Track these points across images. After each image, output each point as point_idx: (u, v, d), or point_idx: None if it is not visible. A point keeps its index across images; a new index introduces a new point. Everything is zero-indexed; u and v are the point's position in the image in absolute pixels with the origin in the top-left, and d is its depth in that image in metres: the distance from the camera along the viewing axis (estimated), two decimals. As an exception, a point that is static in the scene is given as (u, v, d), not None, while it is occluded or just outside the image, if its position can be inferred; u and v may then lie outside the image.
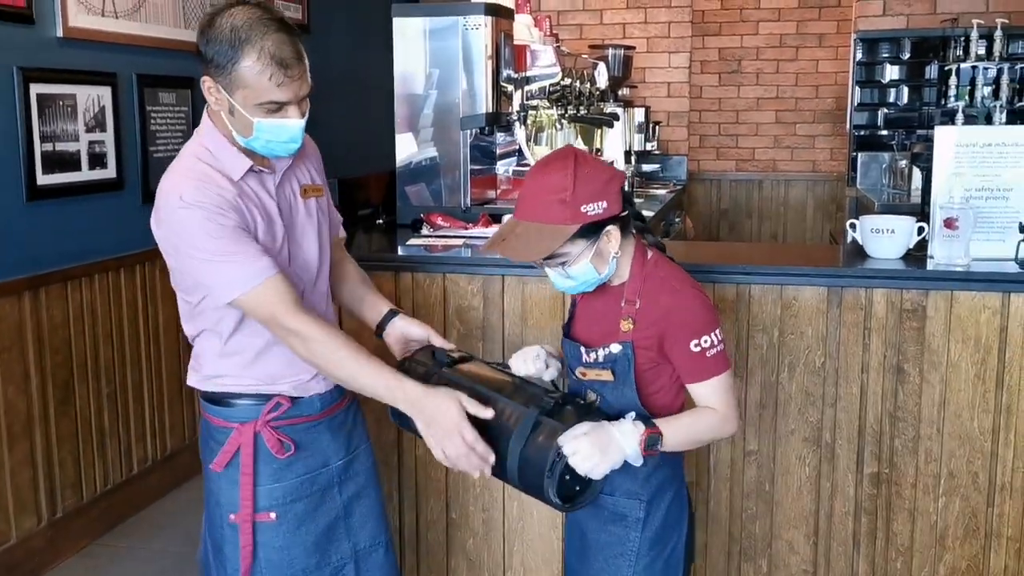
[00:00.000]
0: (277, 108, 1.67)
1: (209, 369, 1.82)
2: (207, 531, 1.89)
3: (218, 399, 1.83)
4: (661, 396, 1.75)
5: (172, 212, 1.67)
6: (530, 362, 1.81)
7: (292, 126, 1.70)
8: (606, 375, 1.73)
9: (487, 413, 1.66)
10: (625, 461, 1.63)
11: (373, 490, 1.98)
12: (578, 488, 1.67)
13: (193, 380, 1.86)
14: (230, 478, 1.79)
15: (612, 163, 3.91)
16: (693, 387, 1.71)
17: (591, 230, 1.66)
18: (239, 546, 1.80)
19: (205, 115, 1.77)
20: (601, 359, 1.74)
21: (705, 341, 1.67)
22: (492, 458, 1.66)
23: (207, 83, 1.69)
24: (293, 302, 1.69)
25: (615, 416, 1.69)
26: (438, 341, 1.90)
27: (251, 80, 1.63)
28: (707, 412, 1.70)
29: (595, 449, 1.59)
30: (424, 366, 1.81)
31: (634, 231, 1.77)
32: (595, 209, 1.64)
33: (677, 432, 1.68)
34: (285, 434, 1.80)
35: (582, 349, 1.77)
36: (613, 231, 1.68)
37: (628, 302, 1.72)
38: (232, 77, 1.64)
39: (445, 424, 1.65)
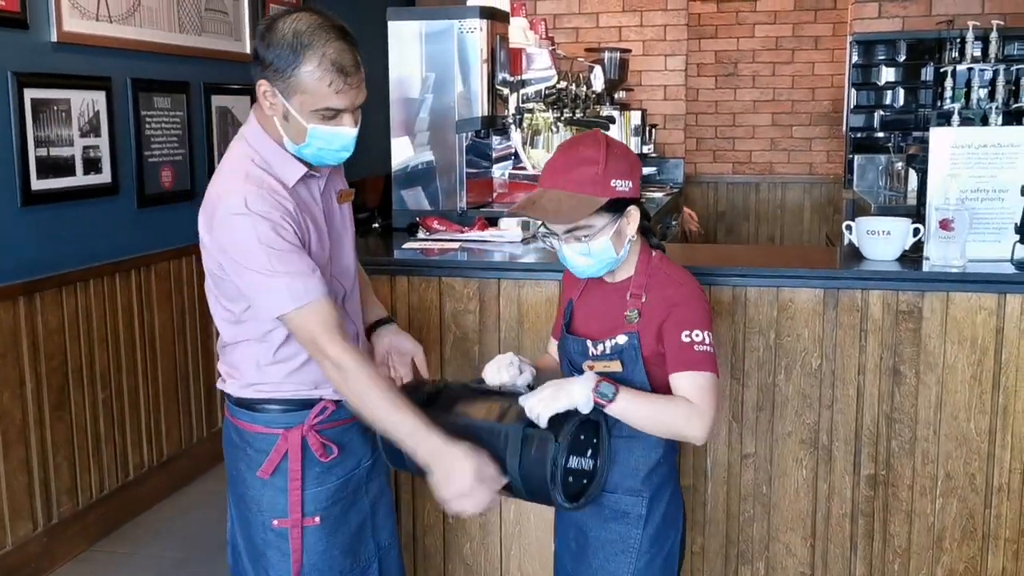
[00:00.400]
0: (333, 115, 1.67)
1: (251, 377, 1.80)
2: (242, 538, 1.87)
3: (257, 406, 1.80)
4: (662, 380, 1.74)
5: (229, 217, 1.65)
6: (504, 370, 1.80)
7: (346, 134, 1.70)
8: (615, 366, 1.74)
9: (502, 481, 1.64)
10: (625, 457, 1.68)
11: (388, 488, 2.00)
12: (585, 481, 1.69)
13: (231, 388, 1.83)
14: (274, 484, 1.79)
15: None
16: (674, 378, 1.69)
17: (616, 206, 1.71)
18: (284, 552, 1.80)
19: (253, 119, 1.76)
20: (608, 350, 1.75)
21: (696, 335, 1.68)
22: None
23: (263, 87, 1.68)
24: (336, 327, 1.68)
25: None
26: (420, 361, 1.92)
27: (310, 86, 1.64)
28: (680, 401, 1.67)
29: (546, 397, 1.62)
30: (413, 398, 1.77)
31: (640, 228, 1.80)
32: (623, 186, 1.70)
33: (640, 401, 1.66)
34: (327, 437, 1.81)
35: (588, 343, 1.78)
36: (634, 212, 1.74)
37: (634, 296, 1.75)
38: (291, 82, 1.64)
39: (460, 484, 1.62)
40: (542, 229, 1.82)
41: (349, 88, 1.66)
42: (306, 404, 1.80)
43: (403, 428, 1.67)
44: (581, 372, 1.76)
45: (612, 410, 1.64)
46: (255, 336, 1.77)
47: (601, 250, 1.72)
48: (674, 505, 1.83)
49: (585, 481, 1.69)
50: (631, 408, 1.65)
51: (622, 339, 1.74)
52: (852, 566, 2.38)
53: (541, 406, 1.62)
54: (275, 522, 1.80)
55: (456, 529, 2.55)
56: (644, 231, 1.81)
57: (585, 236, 1.71)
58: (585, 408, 1.62)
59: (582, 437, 1.66)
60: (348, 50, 1.65)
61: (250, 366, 1.80)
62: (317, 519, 1.80)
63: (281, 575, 1.81)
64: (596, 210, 1.69)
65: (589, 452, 1.69)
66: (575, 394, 1.62)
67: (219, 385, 1.87)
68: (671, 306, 1.71)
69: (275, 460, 1.78)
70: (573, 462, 1.65)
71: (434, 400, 1.77)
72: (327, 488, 1.82)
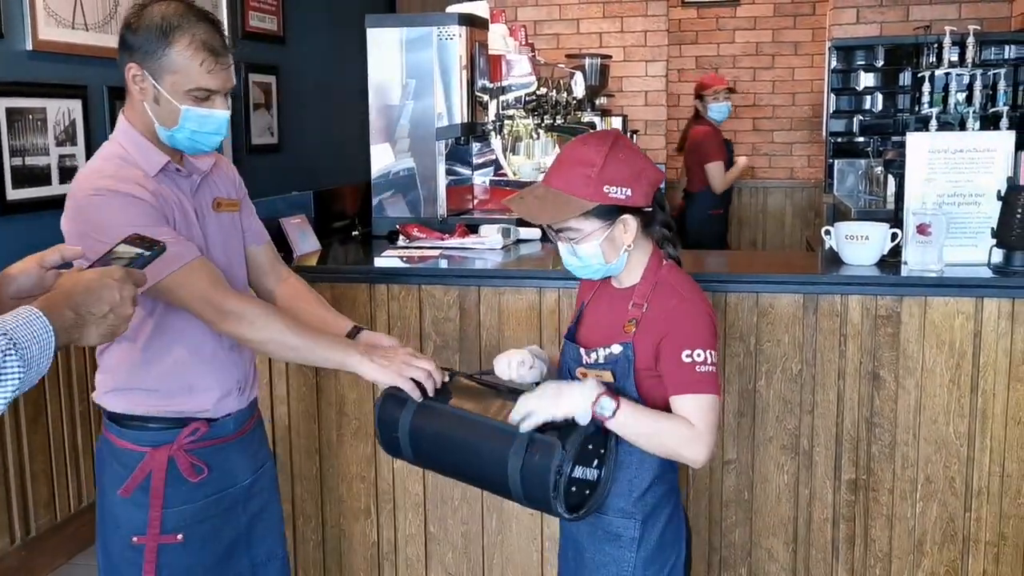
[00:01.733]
0: (206, 96, 1.67)
1: (124, 381, 1.75)
2: (101, 554, 1.82)
3: (127, 421, 1.76)
4: (657, 400, 1.68)
5: (86, 200, 1.63)
6: (514, 368, 1.78)
7: (218, 116, 1.70)
8: (606, 376, 1.69)
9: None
10: (621, 478, 1.63)
11: (274, 505, 1.97)
12: (587, 492, 1.63)
13: (104, 400, 1.78)
14: (135, 501, 1.74)
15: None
16: (675, 400, 1.63)
17: (608, 212, 1.65)
18: (142, 569, 1.75)
19: (121, 118, 1.75)
20: (601, 359, 1.70)
21: (698, 355, 1.61)
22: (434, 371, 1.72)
23: (132, 70, 1.67)
24: (224, 282, 1.68)
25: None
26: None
27: (181, 65, 1.64)
28: (681, 421, 1.61)
29: (548, 397, 1.60)
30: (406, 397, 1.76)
31: (656, 238, 1.75)
32: (618, 193, 1.64)
33: (640, 418, 1.60)
34: (198, 457, 1.77)
35: (582, 351, 1.74)
36: (630, 221, 1.67)
37: (635, 305, 1.69)
38: (162, 62, 1.65)
39: (394, 358, 1.71)
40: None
41: (220, 68, 1.67)
42: (178, 423, 1.76)
43: (334, 349, 1.72)
44: (576, 378, 1.73)
45: (610, 425, 1.59)
46: (126, 334, 1.70)
47: (589, 255, 1.68)
48: (673, 528, 1.75)
49: (588, 492, 1.63)
50: (630, 424, 1.59)
51: (616, 348, 1.68)
52: (834, 571, 2.38)
53: (536, 412, 1.58)
54: (134, 539, 1.75)
55: (438, 538, 2.54)
56: (662, 240, 1.74)
57: (571, 239, 1.69)
58: (583, 420, 1.58)
59: (590, 447, 1.61)
60: (217, 33, 1.68)
61: (123, 369, 1.76)
62: (179, 536, 1.76)
63: None
64: (586, 213, 1.64)
65: (595, 462, 1.63)
66: (575, 405, 1.58)
67: (94, 397, 1.82)
68: (672, 321, 1.65)
69: (138, 478, 1.74)
70: (578, 472, 1.58)
71: (440, 390, 1.74)
72: (193, 506, 1.77)
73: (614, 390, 1.63)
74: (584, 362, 1.74)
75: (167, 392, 1.75)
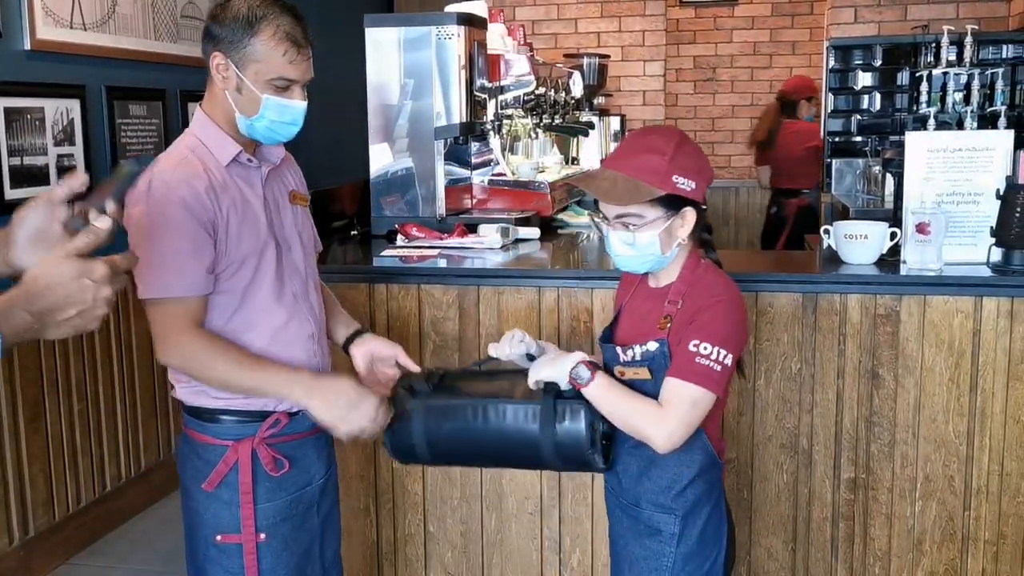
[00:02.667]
0: (286, 86, 1.72)
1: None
2: (188, 552, 1.83)
3: (207, 416, 1.77)
4: None
5: (140, 194, 1.68)
6: (516, 344, 1.81)
7: (297, 107, 1.75)
8: (644, 373, 1.69)
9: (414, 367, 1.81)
10: (654, 465, 1.72)
11: (337, 508, 1.98)
12: (605, 443, 1.74)
13: (182, 394, 1.79)
14: (219, 497, 1.75)
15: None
16: (664, 382, 1.65)
17: (674, 203, 1.67)
18: (227, 568, 1.75)
19: (198, 111, 1.79)
20: (638, 356, 1.71)
21: (704, 348, 1.61)
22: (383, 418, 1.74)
23: (217, 59, 1.72)
24: (192, 322, 1.69)
25: None
26: (404, 360, 1.88)
27: (265, 55, 1.69)
28: (651, 403, 1.65)
29: (547, 362, 1.73)
30: (418, 388, 1.80)
31: (697, 237, 1.75)
32: (685, 184, 1.65)
33: (612, 391, 1.67)
34: (279, 451, 1.77)
35: (618, 349, 1.75)
36: (691, 214, 1.69)
37: (671, 302, 1.70)
38: (246, 52, 1.69)
39: (345, 398, 1.70)
40: (596, 210, 1.81)
41: (302, 59, 1.72)
42: (258, 416, 1.76)
43: (273, 381, 1.71)
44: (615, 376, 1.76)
45: (586, 393, 1.68)
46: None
47: (646, 244, 1.68)
48: (714, 524, 1.75)
49: (605, 443, 1.74)
50: (602, 395, 1.67)
51: (652, 345, 1.68)
52: (833, 569, 2.38)
53: (541, 377, 1.71)
54: (218, 537, 1.75)
55: (437, 538, 2.54)
56: (703, 243, 1.75)
57: (633, 225, 1.67)
58: (563, 384, 1.69)
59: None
60: (299, 24, 1.73)
61: None
62: (263, 536, 1.76)
63: None
64: (651, 201, 1.65)
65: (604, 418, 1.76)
66: (557, 371, 1.69)
67: (172, 393, 1.84)
68: (698, 315, 1.65)
69: (222, 472, 1.74)
70: (604, 426, 1.71)
71: (437, 387, 1.79)
72: (275, 504, 1.78)
73: (595, 365, 1.70)
74: (621, 360, 1.74)
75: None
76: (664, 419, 1.62)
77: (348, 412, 1.69)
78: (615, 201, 1.68)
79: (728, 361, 1.62)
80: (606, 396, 1.67)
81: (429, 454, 1.79)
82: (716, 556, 1.75)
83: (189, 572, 1.82)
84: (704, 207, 1.73)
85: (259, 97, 1.71)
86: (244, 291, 1.73)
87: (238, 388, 1.72)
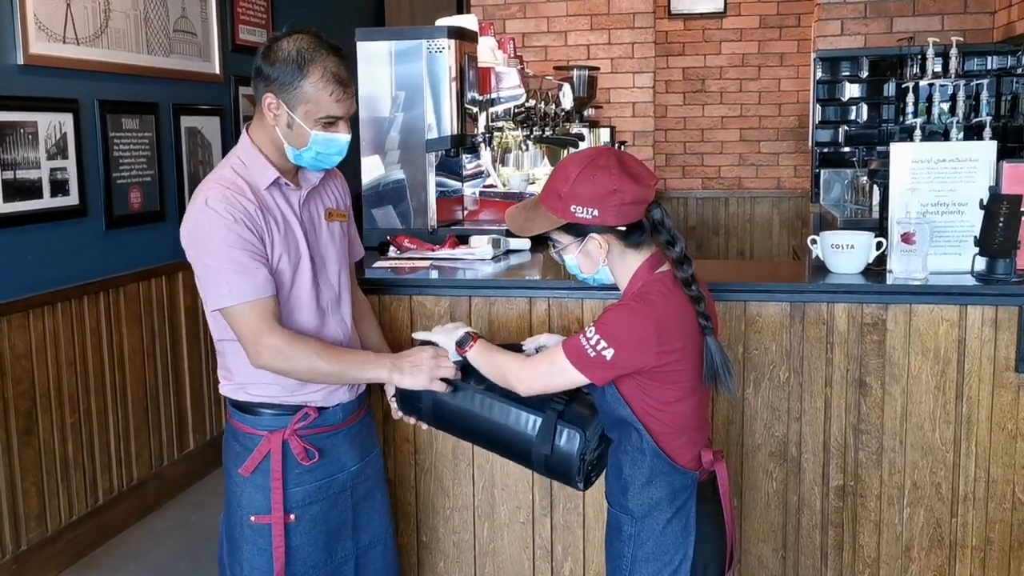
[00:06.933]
0: (332, 122, 1.87)
1: (243, 377, 1.94)
2: (225, 530, 2.02)
3: (247, 407, 1.96)
4: (636, 403, 1.73)
5: (193, 213, 1.83)
6: (542, 339, 1.99)
7: (341, 139, 1.91)
8: None
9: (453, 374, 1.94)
10: (618, 471, 1.79)
11: (379, 492, 2.14)
12: (591, 469, 1.88)
13: (226, 390, 1.99)
14: (253, 482, 1.94)
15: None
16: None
17: (577, 230, 1.75)
18: (259, 547, 1.94)
19: (244, 134, 1.94)
20: None
21: (590, 332, 1.69)
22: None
23: (268, 99, 1.85)
24: (273, 321, 1.84)
25: (611, 418, 1.78)
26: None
27: (314, 96, 1.83)
28: (519, 357, 1.83)
29: (444, 331, 1.94)
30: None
31: (657, 247, 1.77)
32: (583, 213, 1.71)
33: (485, 355, 1.86)
34: (310, 442, 1.95)
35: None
36: (600, 240, 1.74)
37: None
38: (296, 93, 1.83)
39: (416, 360, 1.91)
40: None
41: (347, 97, 1.87)
42: (291, 409, 1.95)
43: (359, 366, 1.93)
44: None
45: (468, 357, 1.87)
46: (232, 336, 1.90)
47: (572, 265, 1.81)
48: (674, 534, 1.75)
49: (591, 470, 1.87)
50: (478, 357, 1.86)
51: None
52: (823, 577, 2.40)
53: (432, 335, 1.96)
54: (252, 518, 1.94)
55: (429, 547, 2.55)
56: (679, 262, 1.72)
57: (555, 248, 1.81)
58: (453, 356, 1.89)
59: (602, 431, 1.86)
60: (344, 64, 1.87)
61: (241, 365, 1.92)
62: (292, 517, 1.94)
63: (255, 567, 1.95)
64: (561, 228, 1.76)
65: (596, 442, 1.87)
66: (450, 337, 1.89)
67: (220, 389, 2.01)
68: (608, 309, 1.76)
69: (256, 459, 1.93)
70: (593, 455, 1.85)
71: (463, 370, 1.95)
72: (304, 489, 1.96)
73: (479, 336, 1.90)
74: None
75: (284, 386, 1.94)
76: (525, 368, 1.79)
77: (431, 372, 1.89)
78: (514, 227, 1.82)
79: (606, 354, 1.67)
80: (483, 356, 1.86)
81: (432, 416, 1.96)
82: (680, 563, 1.75)
83: (227, 549, 2.01)
84: (630, 225, 1.71)
85: (308, 133, 1.86)
86: (282, 302, 1.89)
87: (325, 377, 1.90)
